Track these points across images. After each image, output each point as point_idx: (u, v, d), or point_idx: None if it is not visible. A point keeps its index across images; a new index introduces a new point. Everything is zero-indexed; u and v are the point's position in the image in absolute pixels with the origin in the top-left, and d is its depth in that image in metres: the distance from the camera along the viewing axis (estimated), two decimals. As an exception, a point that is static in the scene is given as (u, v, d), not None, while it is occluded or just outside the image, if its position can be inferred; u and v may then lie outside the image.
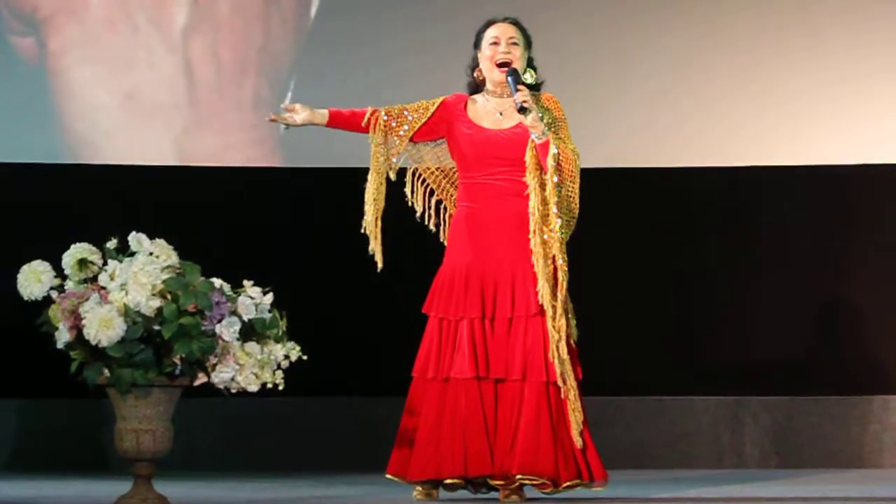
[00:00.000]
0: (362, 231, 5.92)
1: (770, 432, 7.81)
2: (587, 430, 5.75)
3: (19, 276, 5.80)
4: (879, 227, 7.89)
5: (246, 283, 5.84)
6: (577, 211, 5.80)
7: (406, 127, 5.91)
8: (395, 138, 5.92)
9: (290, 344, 5.82)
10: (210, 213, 7.70)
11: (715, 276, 7.88)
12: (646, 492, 6.50)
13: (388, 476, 5.84)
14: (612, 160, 7.76)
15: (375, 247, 5.90)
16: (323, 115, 5.93)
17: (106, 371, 5.70)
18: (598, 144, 7.36)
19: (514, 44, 5.85)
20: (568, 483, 5.68)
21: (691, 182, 7.89)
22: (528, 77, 5.85)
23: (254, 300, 5.81)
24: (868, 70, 7.92)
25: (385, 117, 5.90)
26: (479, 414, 5.71)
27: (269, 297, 5.84)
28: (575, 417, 5.69)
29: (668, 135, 7.93)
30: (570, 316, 5.78)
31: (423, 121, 5.91)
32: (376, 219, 5.91)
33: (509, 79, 5.76)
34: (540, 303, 5.70)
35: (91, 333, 5.63)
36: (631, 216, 7.87)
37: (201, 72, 7.84)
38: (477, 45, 5.91)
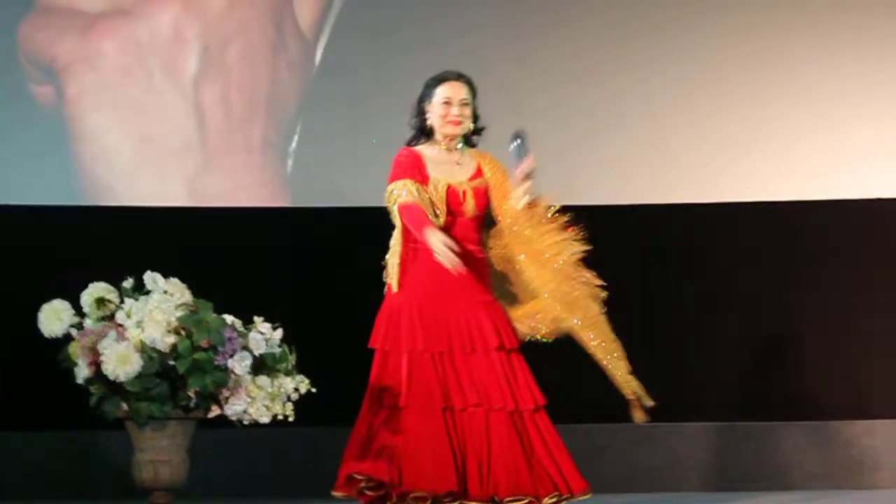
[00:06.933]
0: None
1: (753, 455, 7.72)
2: (562, 446, 5.72)
3: (40, 314, 5.81)
4: (847, 258, 7.86)
5: (256, 319, 5.85)
6: None
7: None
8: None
9: (300, 377, 5.80)
10: (221, 251, 7.63)
11: (693, 311, 7.82)
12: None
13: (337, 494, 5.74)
14: (613, 198, 7.78)
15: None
16: None
17: (124, 404, 5.70)
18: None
19: (465, 104, 5.78)
20: (548, 499, 5.63)
21: (676, 219, 7.85)
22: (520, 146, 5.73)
23: (264, 335, 5.80)
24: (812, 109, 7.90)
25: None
26: (446, 438, 5.63)
27: (279, 333, 5.83)
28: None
29: (638, 174, 7.90)
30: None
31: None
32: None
33: (518, 142, 5.65)
34: (497, 338, 5.68)
35: (109, 369, 5.63)
36: (606, 253, 7.83)
37: (212, 116, 7.79)
38: (427, 98, 5.80)
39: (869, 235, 7.86)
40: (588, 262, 7.30)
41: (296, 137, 7.85)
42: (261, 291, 7.33)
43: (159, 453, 5.71)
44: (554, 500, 5.62)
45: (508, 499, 5.58)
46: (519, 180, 5.66)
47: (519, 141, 5.64)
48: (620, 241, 7.65)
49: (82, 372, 5.67)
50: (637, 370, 7.62)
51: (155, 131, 7.77)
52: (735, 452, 7.70)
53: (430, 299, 5.71)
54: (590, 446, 7.53)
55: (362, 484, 5.67)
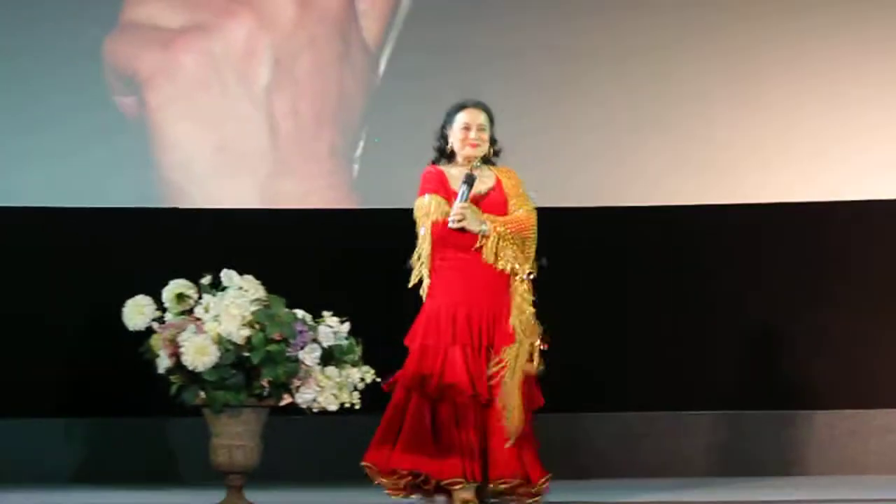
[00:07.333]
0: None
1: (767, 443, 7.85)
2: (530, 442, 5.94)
3: (124, 309, 5.91)
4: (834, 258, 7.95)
5: (325, 313, 5.96)
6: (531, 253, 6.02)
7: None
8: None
9: (366, 368, 5.93)
10: (293, 250, 7.75)
11: (678, 311, 7.96)
12: (640, 496, 6.72)
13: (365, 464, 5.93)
14: (605, 200, 7.92)
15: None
16: None
17: (202, 393, 5.82)
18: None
19: (482, 129, 6.04)
20: (542, 480, 5.89)
21: (677, 220, 7.97)
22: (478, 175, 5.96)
23: (332, 329, 5.92)
24: (813, 111, 7.96)
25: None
26: (474, 428, 5.90)
27: (346, 326, 5.94)
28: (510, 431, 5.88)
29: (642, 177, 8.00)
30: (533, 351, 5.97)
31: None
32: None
33: (464, 186, 5.91)
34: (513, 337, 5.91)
35: (188, 360, 5.75)
36: (614, 255, 7.96)
37: (283, 124, 7.92)
38: (448, 123, 6.06)
39: (872, 237, 7.92)
40: (596, 261, 7.49)
41: (361, 144, 7.97)
42: (329, 287, 7.43)
43: (234, 438, 5.83)
44: (544, 481, 5.91)
45: (501, 482, 5.86)
46: (452, 217, 5.91)
47: (465, 188, 5.89)
48: (635, 241, 7.86)
49: (163, 362, 5.80)
50: (659, 362, 7.74)
51: (230, 139, 7.89)
52: (748, 439, 7.80)
53: (460, 302, 5.93)
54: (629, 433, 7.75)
55: (405, 480, 5.89)
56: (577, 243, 7.86)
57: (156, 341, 5.88)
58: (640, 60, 7.97)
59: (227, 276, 5.94)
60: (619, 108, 7.99)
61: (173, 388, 5.86)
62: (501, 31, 7.97)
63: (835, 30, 7.95)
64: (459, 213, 5.89)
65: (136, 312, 5.92)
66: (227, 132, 7.90)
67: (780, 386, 7.88)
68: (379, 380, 5.93)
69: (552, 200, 7.80)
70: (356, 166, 7.99)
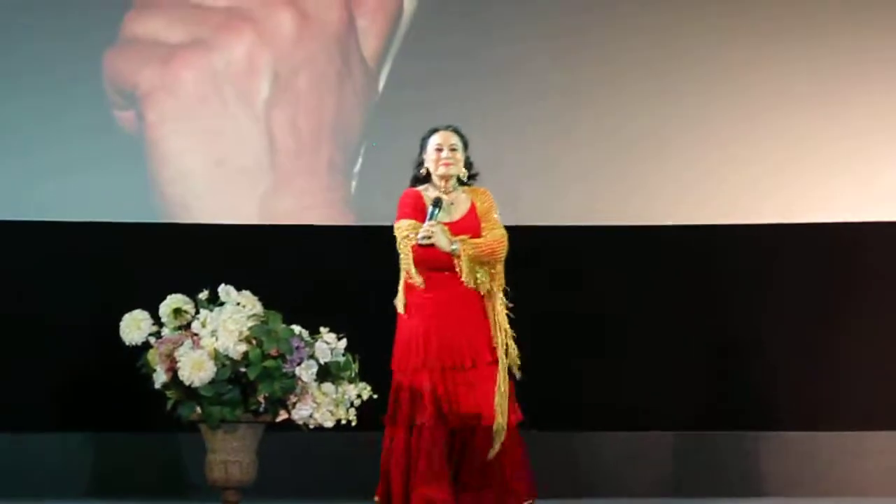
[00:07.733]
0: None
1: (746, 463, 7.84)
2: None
3: (122, 323, 5.93)
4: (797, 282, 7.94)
5: (322, 329, 5.96)
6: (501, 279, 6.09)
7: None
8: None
9: (362, 384, 5.94)
10: (290, 266, 7.76)
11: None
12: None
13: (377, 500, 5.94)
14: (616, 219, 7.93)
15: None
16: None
17: (198, 408, 5.82)
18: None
19: (454, 150, 6.11)
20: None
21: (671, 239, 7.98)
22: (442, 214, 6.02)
23: (329, 345, 5.92)
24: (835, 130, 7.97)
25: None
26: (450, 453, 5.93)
27: (343, 342, 5.95)
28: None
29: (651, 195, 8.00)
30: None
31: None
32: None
33: (435, 210, 5.98)
34: (490, 354, 5.97)
35: (185, 375, 5.76)
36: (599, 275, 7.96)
37: (282, 140, 7.92)
38: (423, 148, 6.14)
39: (873, 259, 7.90)
40: (591, 279, 7.48)
41: (360, 160, 7.97)
42: (326, 303, 7.44)
43: (230, 454, 5.83)
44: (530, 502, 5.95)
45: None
46: (421, 234, 5.96)
47: (433, 209, 5.95)
48: (630, 260, 7.87)
49: (160, 377, 5.82)
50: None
51: (228, 154, 7.88)
52: (748, 460, 7.80)
53: (433, 323, 5.95)
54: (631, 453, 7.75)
55: None
56: (571, 261, 7.85)
57: (152, 356, 5.89)
58: (640, 76, 7.99)
59: (225, 291, 5.95)
60: (620, 124, 8.00)
61: (169, 404, 5.86)
62: (501, 48, 7.98)
63: (844, 45, 7.97)
64: (428, 230, 5.94)
65: (133, 327, 5.94)
66: (227, 147, 7.91)
67: (779, 406, 7.86)
68: (376, 396, 5.93)
69: (548, 217, 7.76)
70: (354, 182, 8.00)
